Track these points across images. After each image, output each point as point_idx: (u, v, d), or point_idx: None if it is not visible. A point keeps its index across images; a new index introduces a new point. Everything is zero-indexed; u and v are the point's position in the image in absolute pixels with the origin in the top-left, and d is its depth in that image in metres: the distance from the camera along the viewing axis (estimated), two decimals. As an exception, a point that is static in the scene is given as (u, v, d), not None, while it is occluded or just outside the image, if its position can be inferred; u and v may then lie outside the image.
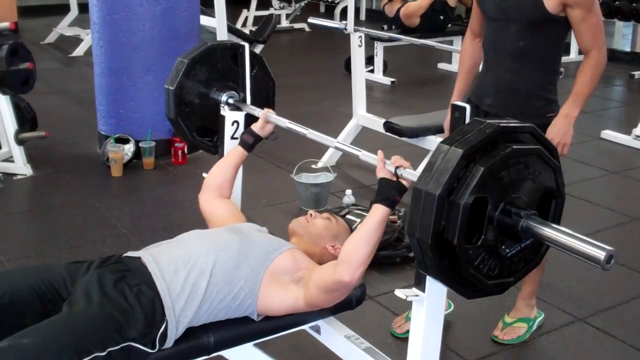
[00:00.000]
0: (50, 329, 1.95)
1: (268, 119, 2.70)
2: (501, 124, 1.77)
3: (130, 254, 2.32)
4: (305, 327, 2.44)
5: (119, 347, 1.99)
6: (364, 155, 2.30)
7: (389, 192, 2.07)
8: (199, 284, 2.17)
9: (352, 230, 2.53)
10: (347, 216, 3.95)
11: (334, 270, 2.13)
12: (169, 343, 2.11)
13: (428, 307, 2.00)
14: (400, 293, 1.99)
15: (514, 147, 1.75)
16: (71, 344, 1.91)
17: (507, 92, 2.80)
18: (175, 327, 2.12)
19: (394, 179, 2.07)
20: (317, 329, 2.46)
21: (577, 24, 2.65)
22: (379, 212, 2.09)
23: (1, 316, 2.06)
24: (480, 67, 2.99)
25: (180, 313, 2.13)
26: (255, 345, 2.34)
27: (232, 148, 2.81)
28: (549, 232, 1.74)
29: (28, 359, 1.85)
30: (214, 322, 2.22)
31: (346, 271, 2.09)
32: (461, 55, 3.06)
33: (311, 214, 2.53)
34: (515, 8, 2.67)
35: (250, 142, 2.74)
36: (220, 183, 2.71)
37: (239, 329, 2.27)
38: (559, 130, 2.70)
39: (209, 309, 2.18)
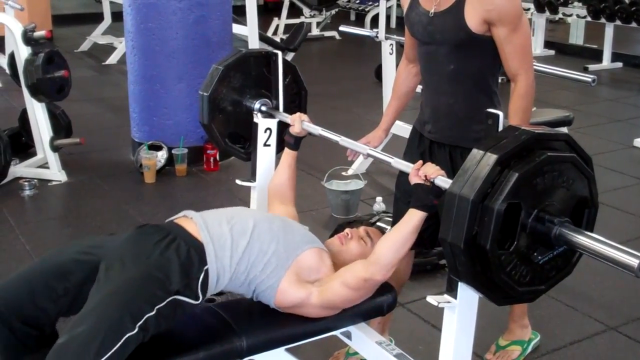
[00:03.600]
0: (99, 309, 1.99)
1: (302, 126, 2.72)
2: (537, 131, 1.78)
3: (172, 218, 2.38)
4: (337, 332, 2.44)
5: (165, 302, 2.04)
6: (397, 163, 2.31)
7: (426, 197, 2.09)
8: (240, 242, 2.24)
9: None
10: (378, 223, 3.96)
11: (366, 269, 2.18)
12: (210, 294, 2.18)
13: (460, 314, 2.01)
14: (432, 299, 2.00)
15: (549, 154, 1.75)
16: (123, 314, 1.97)
17: (446, 118, 2.63)
18: (216, 276, 2.18)
19: (428, 184, 2.09)
20: (348, 335, 2.46)
21: (501, 44, 2.44)
22: (415, 218, 2.12)
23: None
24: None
25: (223, 264, 2.19)
26: (287, 350, 2.35)
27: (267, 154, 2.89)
28: (583, 239, 1.74)
29: (91, 344, 1.90)
30: (247, 325, 2.25)
31: (379, 272, 2.16)
32: (395, 80, 2.96)
33: (347, 233, 2.49)
34: (441, 31, 2.50)
35: (292, 141, 2.77)
36: (279, 185, 2.74)
37: (271, 334, 2.28)
38: None
39: (243, 272, 2.23)
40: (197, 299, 2.13)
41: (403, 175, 2.60)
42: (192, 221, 2.28)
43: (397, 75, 2.96)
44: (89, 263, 2.18)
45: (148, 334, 2.02)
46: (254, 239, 2.26)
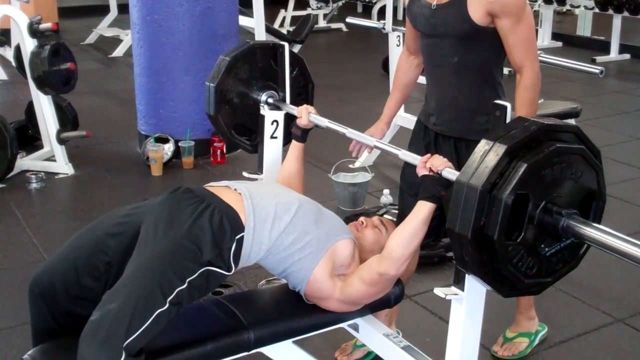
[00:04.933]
0: (129, 285, 1.99)
1: (309, 118, 2.71)
2: (546, 122, 1.77)
3: (209, 185, 2.37)
4: (344, 325, 2.44)
5: (197, 274, 2.04)
6: (404, 154, 2.31)
7: (434, 188, 2.09)
8: (283, 217, 2.24)
9: None
10: (385, 216, 3.95)
11: (379, 264, 2.18)
12: (242, 265, 2.18)
13: (467, 306, 2.00)
14: (439, 292, 2.00)
15: (558, 145, 1.75)
16: (154, 290, 1.97)
17: (450, 109, 2.63)
18: (250, 248, 2.17)
19: (436, 175, 2.09)
20: (356, 327, 2.46)
21: (506, 36, 2.43)
22: (424, 209, 2.11)
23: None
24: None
25: (261, 237, 2.19)
26: (294, 342, 2.35)
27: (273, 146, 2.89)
28: (591, 231, 1.73)
29: (121, 322, 1.90)
30: (255, 317, 2.25)
31: (392, 266, 2.15)
32: (396, 71, 2.95)
33: (362, 222, 2.50)
34: (444, 23, 2.49)
35: (299, 133, 2.75)
36: (288, 178, 2.72)
37: (279, 326, 2.29)
38: None
39: (280, 246, 2.22)
40: (229, 269, 2.13)
41: (408, 167, 2.60)
42: (235, 191, 2.27)
43: (397, 67, 2.94)
44: (124, 235, 2.18)
45: (182, 307, 2.02)
46: (298, 217, 2.26)
